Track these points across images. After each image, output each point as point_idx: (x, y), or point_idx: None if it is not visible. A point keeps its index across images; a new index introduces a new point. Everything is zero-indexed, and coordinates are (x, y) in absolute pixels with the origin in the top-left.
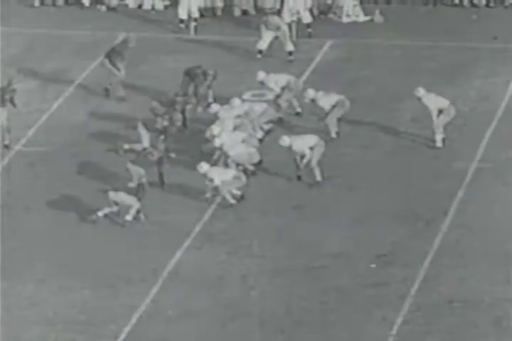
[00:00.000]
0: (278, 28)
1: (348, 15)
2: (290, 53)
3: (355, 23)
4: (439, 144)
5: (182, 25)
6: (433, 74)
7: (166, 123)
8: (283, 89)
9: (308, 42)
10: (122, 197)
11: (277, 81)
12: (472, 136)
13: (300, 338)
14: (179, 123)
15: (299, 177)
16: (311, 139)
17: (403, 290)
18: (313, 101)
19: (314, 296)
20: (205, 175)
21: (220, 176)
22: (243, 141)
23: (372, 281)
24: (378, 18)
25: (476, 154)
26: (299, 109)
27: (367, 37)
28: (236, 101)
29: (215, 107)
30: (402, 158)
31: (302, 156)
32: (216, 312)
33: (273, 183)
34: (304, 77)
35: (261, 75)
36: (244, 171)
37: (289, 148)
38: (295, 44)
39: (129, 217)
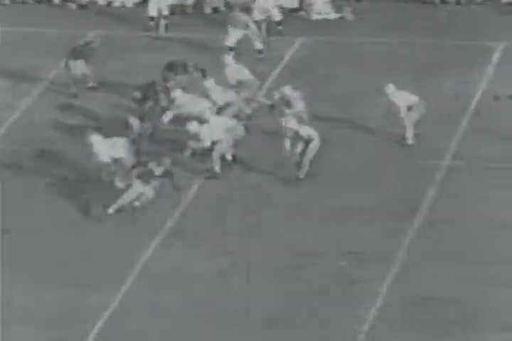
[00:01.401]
0: (246, 26)
1: (318, 13)
2: (259, 51)
3: (325, 20)
4: (410, 141)
5: (152, 23)
6: (404, 72)
7: (151, 103)
8: (238, 83)
9: (278, 40)
10: (137, 185)
11: (234, 75)
12: (444, 133)
13: (272, 337)
14: (164, 103)
15: (297, 177)
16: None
17: (376, 287)
18: (283, 98)
19: (287, 294)
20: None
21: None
22: (226, 130)
23: (345, 279)
24: (349, 15)
25: (448, 151)
26: (268, 102)
27: (337, 34)
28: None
29: (177, 92)
30: (374, 155)
31: (305, 140)
32: (190, 310)
33: (249, 180)
34: (274, 75)
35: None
36: (223, 159)
37: (296, 132)
38: (266, 42)
39: (137, 203)
